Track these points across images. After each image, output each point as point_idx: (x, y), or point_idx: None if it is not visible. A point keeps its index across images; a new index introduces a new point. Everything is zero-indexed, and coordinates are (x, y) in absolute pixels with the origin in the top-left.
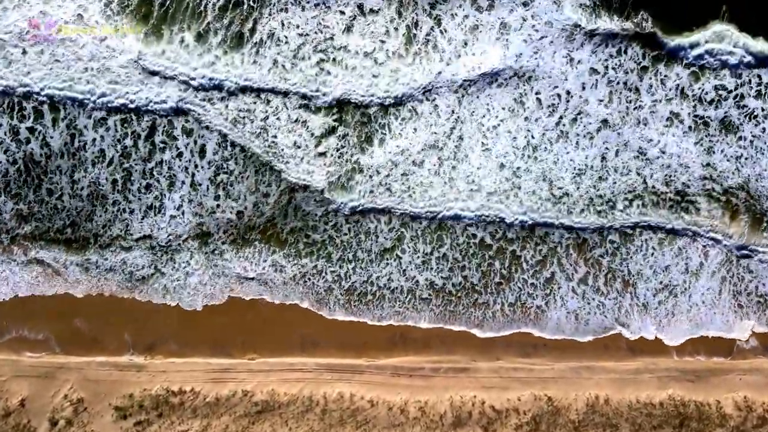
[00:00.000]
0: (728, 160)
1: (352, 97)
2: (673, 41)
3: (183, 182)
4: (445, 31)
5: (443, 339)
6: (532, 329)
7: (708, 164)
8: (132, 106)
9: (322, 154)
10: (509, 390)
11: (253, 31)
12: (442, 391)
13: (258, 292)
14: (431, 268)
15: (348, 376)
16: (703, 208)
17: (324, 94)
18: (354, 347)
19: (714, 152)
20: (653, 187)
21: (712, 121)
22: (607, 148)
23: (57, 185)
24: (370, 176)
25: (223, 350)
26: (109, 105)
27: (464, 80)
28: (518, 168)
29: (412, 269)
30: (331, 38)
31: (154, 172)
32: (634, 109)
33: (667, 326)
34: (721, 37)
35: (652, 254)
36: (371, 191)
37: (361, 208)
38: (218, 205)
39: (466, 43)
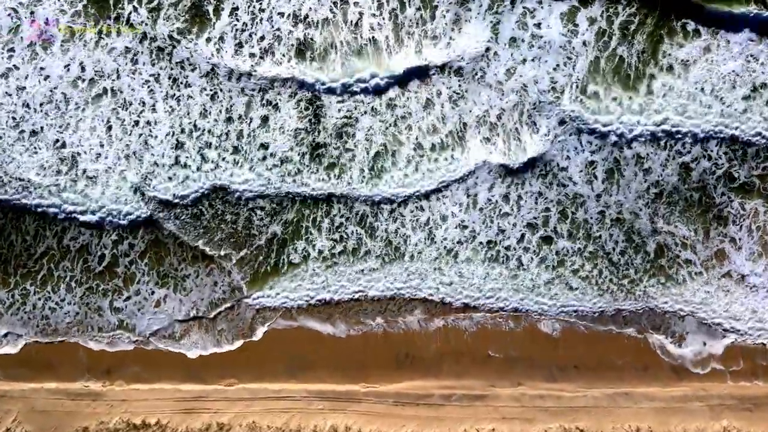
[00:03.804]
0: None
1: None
2: None
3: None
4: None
5: (456, 360)
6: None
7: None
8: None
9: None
10: (534, 422)
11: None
12: (454, 422)
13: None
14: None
15: (343, 406)
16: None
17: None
18: (350, 371)
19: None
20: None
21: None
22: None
23: None
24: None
25: (196, 374)
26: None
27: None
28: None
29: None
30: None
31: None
32: None
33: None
34: None
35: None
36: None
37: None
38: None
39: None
